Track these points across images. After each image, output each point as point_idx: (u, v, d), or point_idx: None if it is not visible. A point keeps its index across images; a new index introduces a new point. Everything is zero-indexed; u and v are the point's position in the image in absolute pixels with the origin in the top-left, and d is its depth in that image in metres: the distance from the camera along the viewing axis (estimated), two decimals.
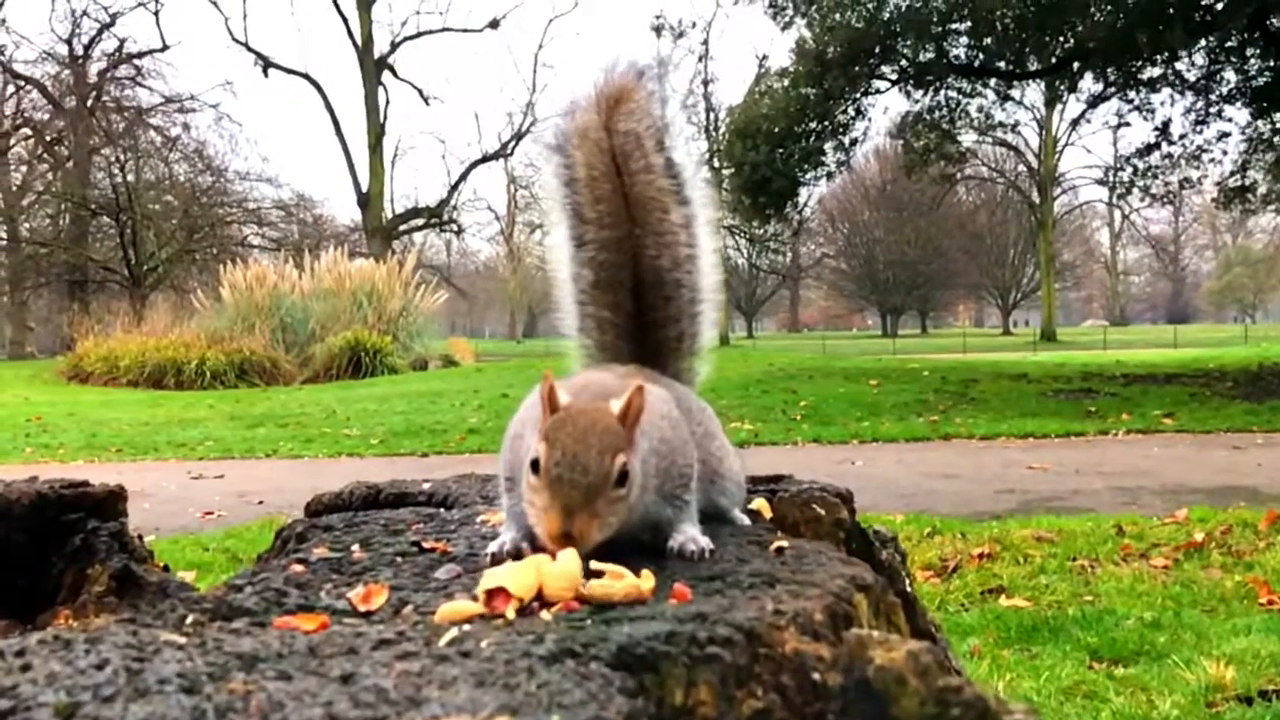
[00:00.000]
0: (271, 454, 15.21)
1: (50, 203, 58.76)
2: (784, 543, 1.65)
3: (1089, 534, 7.87)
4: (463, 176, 62.26)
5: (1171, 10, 22.15)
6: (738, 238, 72.28)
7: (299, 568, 1.61)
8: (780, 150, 26.68)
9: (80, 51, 55.88)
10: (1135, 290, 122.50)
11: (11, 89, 55.50)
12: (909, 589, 2.08)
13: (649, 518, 1.62)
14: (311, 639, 1.20)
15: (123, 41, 57.08)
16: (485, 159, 62.76)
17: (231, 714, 0.97)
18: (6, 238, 57.16)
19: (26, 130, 56.33)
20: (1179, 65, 26.22)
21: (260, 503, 10.71)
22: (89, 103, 55.48)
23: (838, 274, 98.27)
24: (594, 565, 1.39)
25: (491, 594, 1.34)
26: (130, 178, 54.70)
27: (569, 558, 1.42)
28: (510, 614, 1.30)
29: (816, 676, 1.16)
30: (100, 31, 55.90)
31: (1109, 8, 23.39)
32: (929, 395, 19.78)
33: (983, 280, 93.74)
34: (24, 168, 59.30)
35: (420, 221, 62.16)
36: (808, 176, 29.27)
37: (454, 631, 1.21)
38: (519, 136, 61.15)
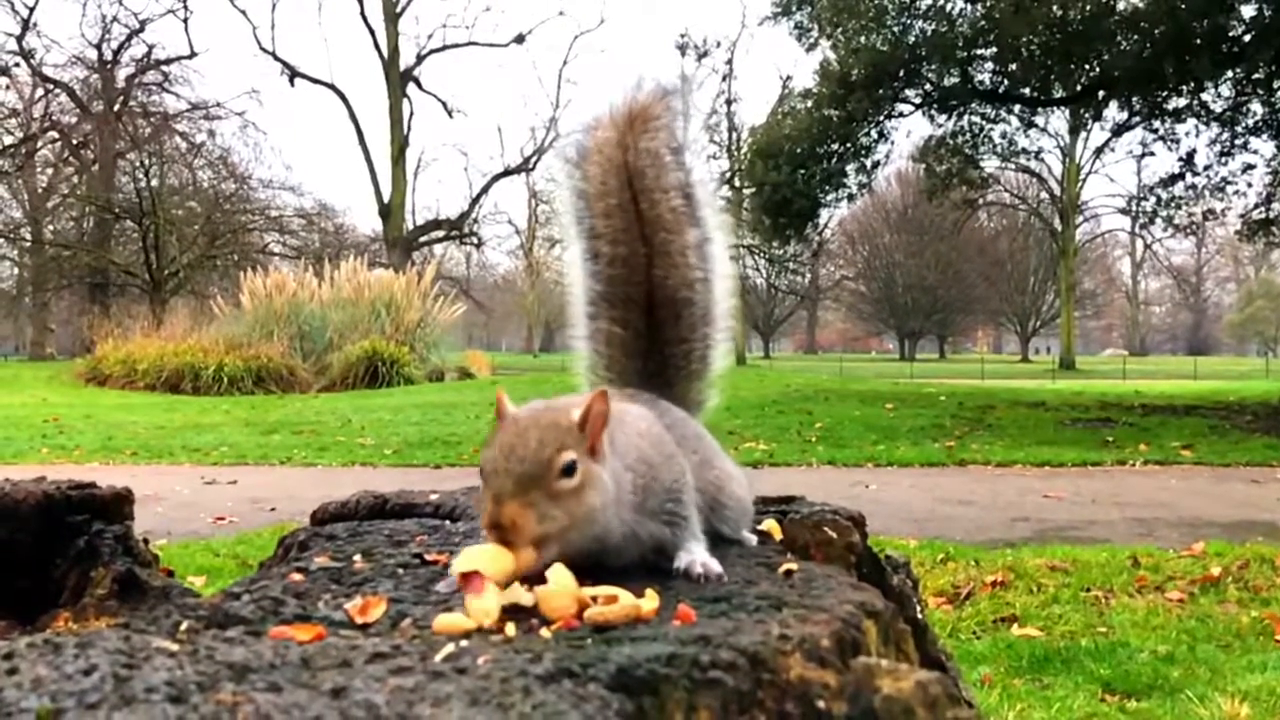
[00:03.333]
0: (285, 461, 15.23)
1: (75, 205, 59.26)
2: (793, 565, 1.61)
3: (1104, 565, 7.79)
4: (484, 190, 62.49)
5: (1198, 41, 22.06)
6: (757, 258, 72.36)
7: (298, 576, 1.59)
8: (802, 171, 26.66)
9: (109, 57, 56.42)
10: (1156, 321, 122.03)
11: (41, 92, 56.01)
12: (920, 616, 2.04)
13: (643, 537, 1.59)
14: (305, 650, 1.18)
15: (151, 48, 57.56)
16: (507, 173, 62.94)
17: None
18: (30, 239, 57.66)
19: (54, 133, 56.81)
20: (1205, 96, 26.10)
21: (273, 509, 10.72)
22: (116, 107, 55.92)
23: (856, 296, 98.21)
24: (589, 591, 1.36)
25: (467, 577, 1.32)
26: (154, 183, 55.06)
27: (564, 573, 1.39)
28: (510, 630, 1.28)
29: (821, 704, 1.12)
30: (129, 37, 56.44)
31: (1135, 37, 23.33)
32: (945, 420, 19.67)
33: (1002, 307, 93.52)
34: (50, 170, 59.86)
35: (440, 233, 62.37)
36: (829, 198, 29.23)
37: (451, 647, 1.18)
38: (541, 151, 61.34)
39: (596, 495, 1.49)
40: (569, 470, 1.46)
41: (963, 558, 8.07)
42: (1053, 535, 9.45)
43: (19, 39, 52.69)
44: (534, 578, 1.41)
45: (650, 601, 1.34)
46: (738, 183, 32.70)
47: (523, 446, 1.45)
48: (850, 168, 28.43)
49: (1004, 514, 10.70)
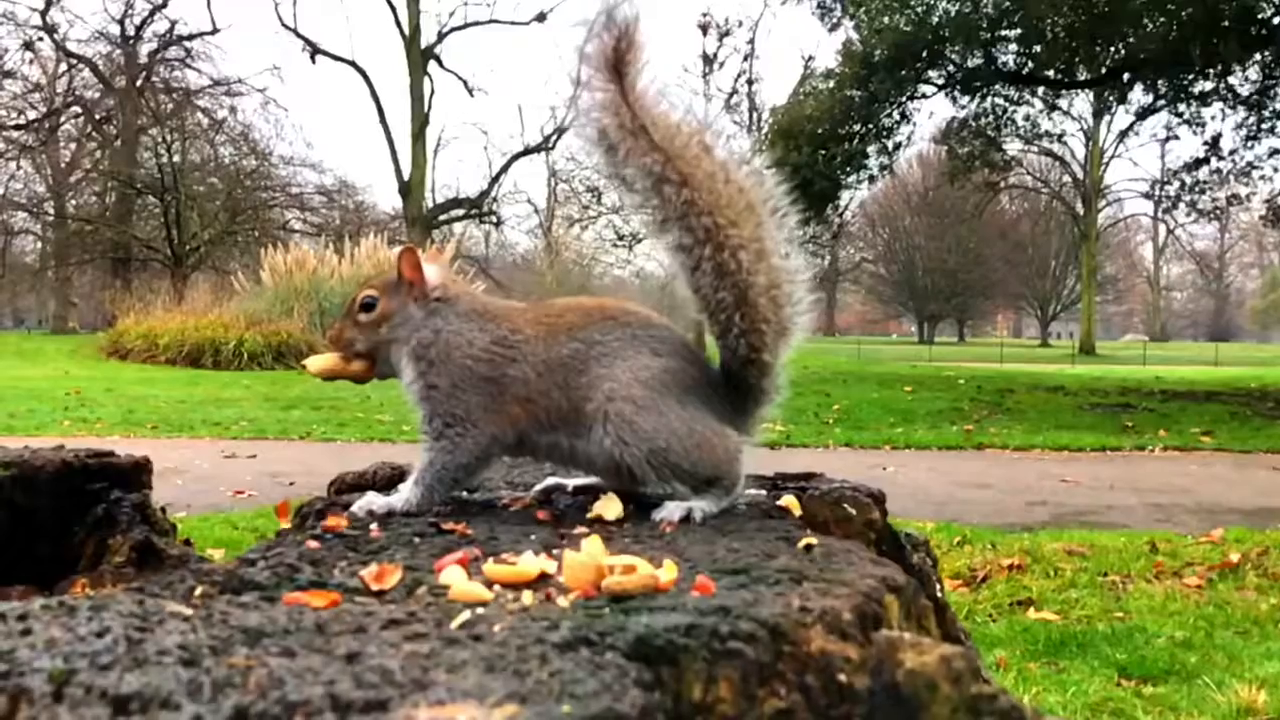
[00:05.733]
0: (305, 436, 15.29)
1: (97, 180, 59.40)
2: (813, 540, 1.60)
3: (1121, 550, 7.75)
4: (504, 168, 62.21)
5: (1226, 23, 21.80)
6: None
7: (314, 544, 1.58)
8: (823, 152, 26.52)
9: (132, 32, 56.38)
10: (1177, 306, 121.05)
11: (64, 67, 56.15)
12: (940, 594, 2.02)
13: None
14: (320, 616, 1.17)
15: (174, 23, 57.42)
16: (527, 152, 62.67)
17: (229, 689, 0.93)
18: (53, 214, 57.89)
19: (77, 108, 56.94)
20: (1232, 79, 25.83)
21: (291, 484, 10.75)
22: (139, 83, 55.97)
23: (876, 279, 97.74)
24: (607, 561, 1.35)
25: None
26: (176, 158, 55.10)
27: (593, 544, 1.38)
28: (528, 598, 1.26)
29: (843, 678, 1.10)
30: (152, 13, 56.37)
31: (1162, 19, 23.06)
32: (964, 404, 19.60)
33: (1022, 290, 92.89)
34: (73, 145, 60.02)
35: (460, 212, 62.20)
36: (850, 179, 29.11)
37: (467, 614, 1.17)
38: (561, 130, 61.05)
39: (389, 328, 2.02)
40: (366, 306, 2.05)
41: (980, 541, 8.04)
42: (1070, 520, 9.40)
43: (43, 14, 52.80)
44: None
45: (669, 572, 1.32)
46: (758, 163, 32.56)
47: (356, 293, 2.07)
48: (871, 149, 28.28)
49: (1021, 498, 10.65)
